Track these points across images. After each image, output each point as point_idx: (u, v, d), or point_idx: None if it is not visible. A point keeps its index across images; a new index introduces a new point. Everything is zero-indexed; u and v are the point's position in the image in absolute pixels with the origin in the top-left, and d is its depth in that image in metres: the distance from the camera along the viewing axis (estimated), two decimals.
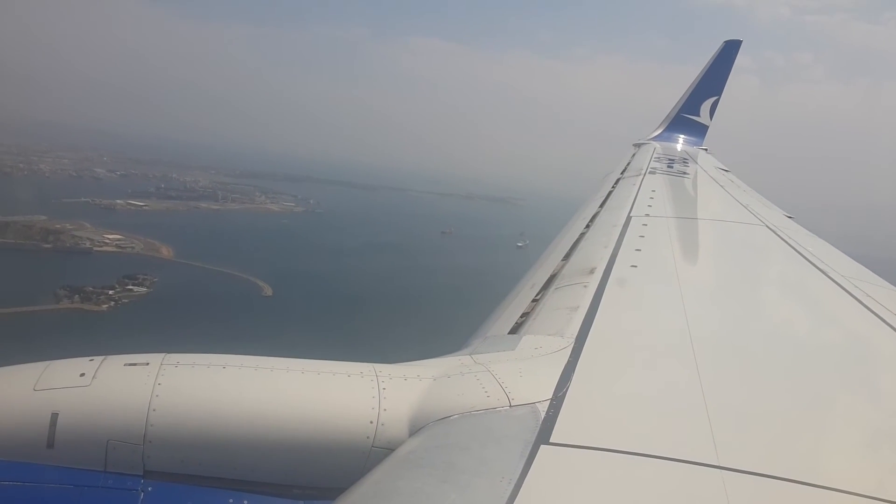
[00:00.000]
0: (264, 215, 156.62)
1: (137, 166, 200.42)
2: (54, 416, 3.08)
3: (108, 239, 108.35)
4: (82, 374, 3.26)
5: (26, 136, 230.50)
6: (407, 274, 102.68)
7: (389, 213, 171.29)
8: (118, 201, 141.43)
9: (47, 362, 3.42)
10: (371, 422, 3.29)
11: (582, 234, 8.24)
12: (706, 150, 18.65)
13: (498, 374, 3.62)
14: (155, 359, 3.44)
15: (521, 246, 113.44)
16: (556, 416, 3.20)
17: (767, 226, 9.13)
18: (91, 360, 3.40)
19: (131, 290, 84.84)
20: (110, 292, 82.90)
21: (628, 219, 8.47)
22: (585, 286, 5.52)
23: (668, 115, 20.10)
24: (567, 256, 7.15)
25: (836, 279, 6.44)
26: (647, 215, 8.94)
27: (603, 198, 10.87)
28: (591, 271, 5.99)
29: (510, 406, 3.34)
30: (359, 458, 3.24)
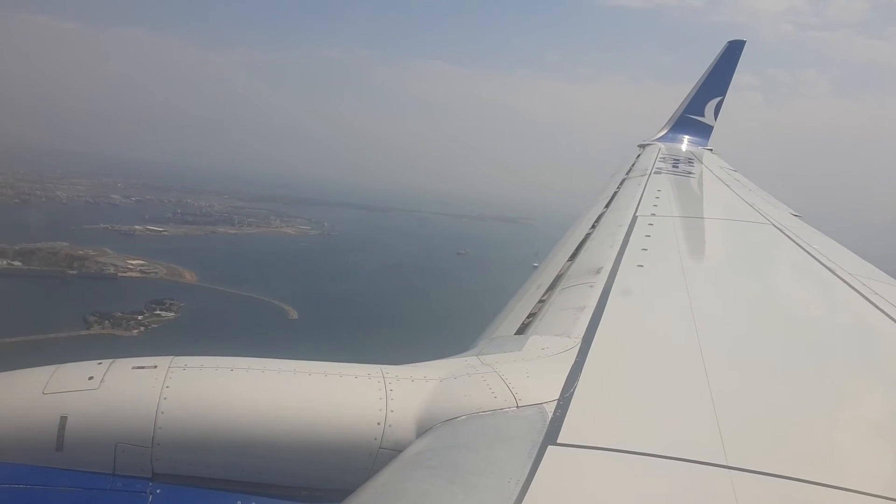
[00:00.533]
0: (281, 238, 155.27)
1: (152, 192, 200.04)
2: (63, 419, 3.07)
3: (132, 264, 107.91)
4: (91, 378, 3.25)
5: (39, 164, 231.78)
6: (430, 295, 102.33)
7: (404, 234, 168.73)
8: (137, 227, 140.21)
9: (56, 366, 3.41)
10: (378, 423, 3.27)
11: (588, 235, 8.18)
12: (711, 150, 18.51)
13: (505, 375, 3.58)
14: (163, 362, 3.42)
15: (537, 266, 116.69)
16: (564, 417, 3.17)
17: (774, 224, 8.97)
18: (99, 363, 3.39)
19: (159, 314, 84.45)
20: (139, 317, 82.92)
21: (634, 218, 8.38)
22: (592, 286, 5.45)
23: (672, 116, 19.93)
24: (573, 256, 7.09)
25: (843, 277, 6.32)
26: (653, 215, 8.83)
27: (608, 198, 10.78)
28: (598, 271, 5.92)
29: (517, 407, 3.30)
30: (366, 460, 3.21)
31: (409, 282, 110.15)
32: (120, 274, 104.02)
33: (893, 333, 5.03)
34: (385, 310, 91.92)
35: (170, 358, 3.45)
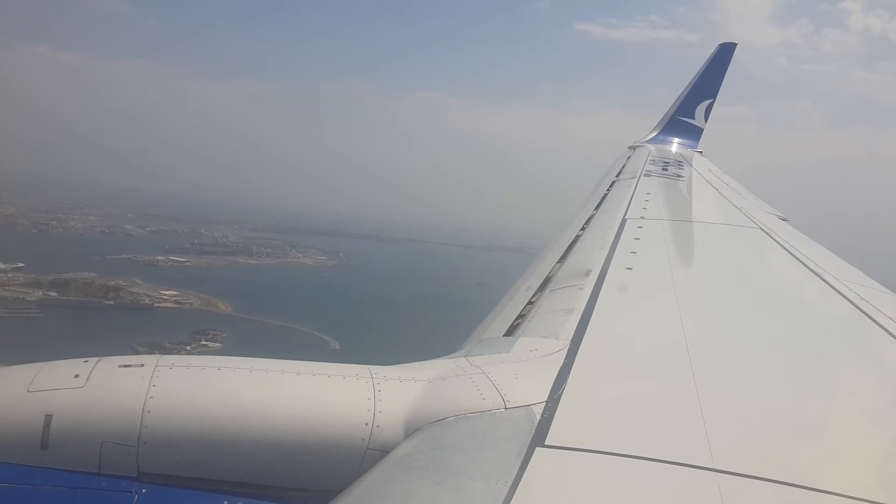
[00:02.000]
0: (300, 269, 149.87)
1: (162, 222, 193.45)
2: (48, 417, 2.99)
3: (166, 295, 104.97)
4: (77, 376, 3.16)
5: (49, 194, 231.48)
6: (460, 324, 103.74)
7: (419, 265, 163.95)
8: (159, 257, 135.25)
9: (42, 363, 3.32)
10: (366, 424, 3.19)
11: (577, 237, 8.04)
12: (701, 152, 18.26)
13: (493, 377, 3.50)
14: (150, 360, 3.33)
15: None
16: (552, 419, 3.11)
17: (762, 228, 8.87)
18: (86, 361, 3.29)
19: (206, 345, 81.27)
20: (188, 348, 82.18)
21: (623, 221, 8.26)
22: (581, 288, 5.38)
23: (663, 118, 19.45)
24: (562, 259, 6.98)
25: (830, 282, 6.24)
26: (643, 218, 8.73)
27: (598, 200, 10.60)
28: (587, 274, 5.82)
29: (505, 408, 3.24)
30: (354, 460, 3.14)
31: (437, 312, 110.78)
32: (156, 305, 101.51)
33: (879, 337, 4.93)
34: (423, 340, 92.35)
35: (157, 357, 3.38)
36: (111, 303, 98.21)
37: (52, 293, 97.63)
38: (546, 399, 3.29)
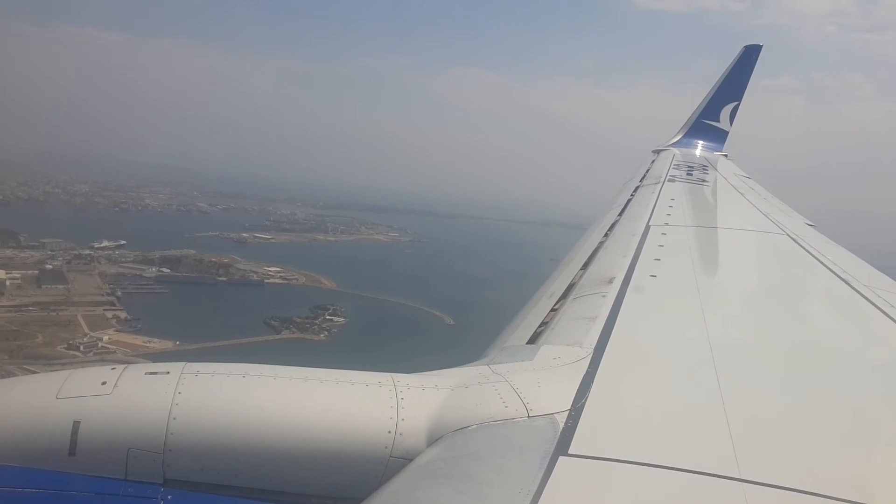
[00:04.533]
0: (378, 246, 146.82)
1: (230, 200, 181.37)
2: (76, 423, 2.97)
3: (271, 271, 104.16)
4: (104, 383, 3.13)
5: (110, 173, 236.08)
6: None
7: (487, 241, 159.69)
8: (244, 234, 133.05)
9: (69, 371, 3.32)
10: (389, 432, 3.12)
11: (601, 244, 7.76)
12: (726, 155, 17.76)
13: (516, 385, 3.39)
14: (175, 368, 3.29)
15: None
16: (575, 428, 3.01)
17: (788, 234, 8.55)
18: (113, 368, 3.28)
19: (331, 319, 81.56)
20: (316, 322, 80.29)
21: (647, 228, 7.98)
22: (604, 296, 5.23)
23: (687, 121, 18.76)
24: (585, 266, 6.77)
25: (858, 288, 5.96)
26: (667, 224, 8.47)
27: (622, 206, 10.25)
28: (610, 281, 5.65)
29: (528, 417, 3.14)
30: (377, 468, 3.06)
31: (529, 288, 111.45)
32: (266, 281, 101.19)
33: None
34: None
35: (182, 364, 3.33)
36: (224, 279, 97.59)
37: (166, 269, 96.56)
38: (569, 407, 3.20)
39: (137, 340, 70.04)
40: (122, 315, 77.88)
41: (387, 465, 3.09)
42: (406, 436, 3.15)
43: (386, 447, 3.11)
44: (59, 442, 2.98)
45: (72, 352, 65.02)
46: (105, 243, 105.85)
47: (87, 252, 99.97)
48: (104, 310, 79.23)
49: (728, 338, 4.72)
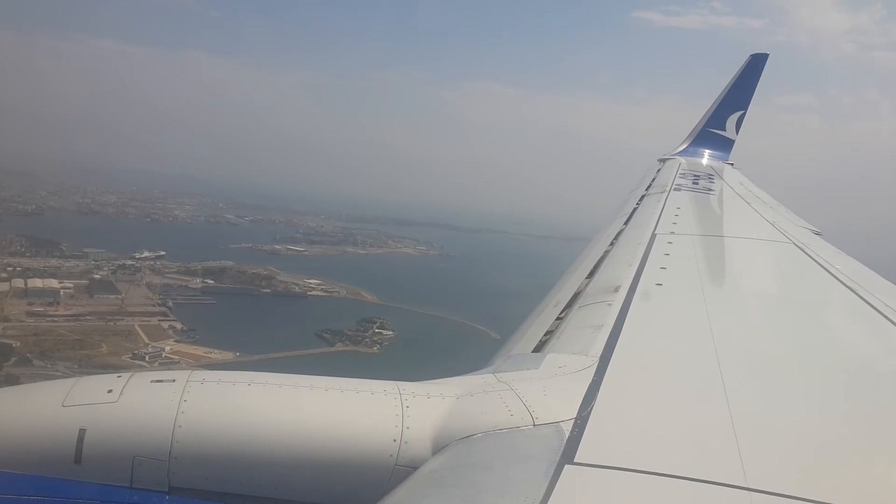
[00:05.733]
0: (408, 259, 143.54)
1: (255, 212, 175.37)
2: (82, 431, 2.94)
3: (312, 284, 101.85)
4: (110, 391, 3.09)
5: (135, 184, 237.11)
6: None
7: (513, 255, 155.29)
8: (277, 246, 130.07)
9: (76, 378, 3.27)
10: (394, 440, 3.07)
11: (606, 252, 7.66)
12: (732, 164, 17.49)
13: (522, 393, 3.34)
14: (181, 376, 3.24)
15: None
16: (581, 436, 2.96)
17: (795, 243, 8.36)
18: (119, 376, 3.24)
19: (380, 332, 79.93)
20: (366, 335, 78.99)
21: (653, 236, 7.85)
22: (610, 304, 5.15)
23: (693, 130, 18.42)
24: (591, 274, 6.68)
25: (865, 297, 5.80)
26: (672, 233, 8.34)
27: (628, 215, 10.07)
28: (616, 289, 5.56)
29: (534, 425, 3.09)
30: (382, 477, 3.02)
31: None
32: (308, 293, 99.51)
33: None
34: None
35: (188, 372, 3.30)
36: (267, 290, 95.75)
37: (210, 280, 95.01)
38: (575, 416, 3.14)
39: (198, 351, 68.97)
40: (178, 326, 76.88)
41: (392, 473, 3.04)
42: (411, 444, 3.10)
43: (391, 455, 3.07)
44: (64, 450, 2.95)
45: (137, 361, 64.60)
46: (146, 254, 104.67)
47: (130, 262, 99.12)
48: (159, 320, 78.59)
49: (734, 346, 4.61)
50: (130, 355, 67.05)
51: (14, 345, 64.85)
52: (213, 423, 3.06)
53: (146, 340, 71.72)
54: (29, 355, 62.76)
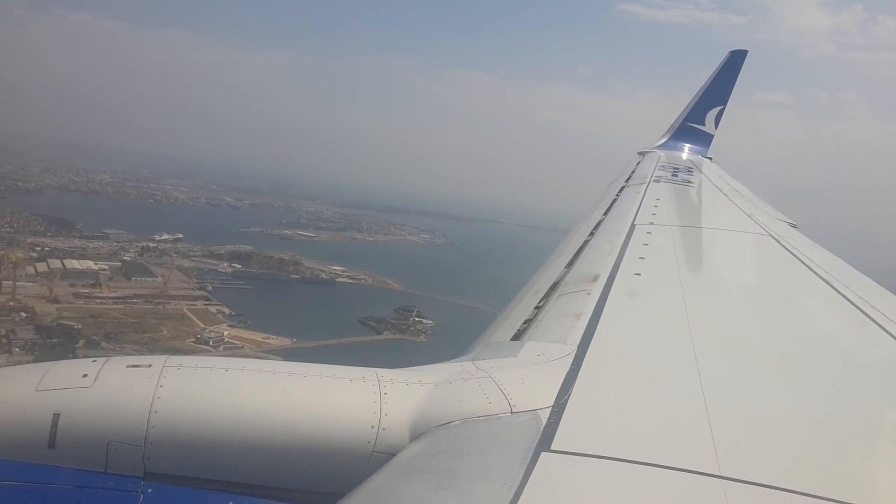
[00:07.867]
0: (416, 247, 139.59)
1: (251, 195, 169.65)
2: (56, 416, 2.86)
3: (337, 270, 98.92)
4: (85, 375, 3.01)
5: (124, 163, 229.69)
6: None
7: (514, 245, 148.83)
8: (287, 231, 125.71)
9: (50, 363, 3.18)
10: (372, 426, 3.01)
11: (586, 242, 7.50)
12: (711, 159, 17.48)
13: (500, 381, 3.26)
14: (157, 361, 3.14)
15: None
16: (558, 424, 2.91)
17: (772, 235, 8.31)
18: (94, 361, 3.14)
19: (419, 321, 77.74)
20: (406, 323, 77.07)
21: (632, 227, 7.74)
22: (588, 293, 5.05)
23: (673, 124, 18.27)
24: (570, 264, 6.61)
25: (839, 289, 5.73)
26: (651, 223, 8.28)
27: (607, 205, 9.90)
28: (595, 279, 5.45)
29: (511, 413, 3.04)
30: (359, 463, 2.95)
31: None
32: (337, 280, 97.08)
33: (889, 345, 4.54)
34: None
35: (164, 357, 3.21)
36: (297, 277, 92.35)
37: (237, 265, 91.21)
38: (552, 404, 3.08)
39: (256, 336, 65.94)
40: (226, 310, 74.04)
41: (369, 459, 2.97)
42: (389, 431, 3.02)
43: (369, 442, 3.00)
44: (38, 434, 2.85)
45: (202, 346, 61.69)
46: (165, 236, 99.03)
47: (152, 245, 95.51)
48: (204, 304, 75.34)
49: (711, 336, 4.55)
50: (193, 339, 64.70)
51: (76, 327, 64.22)
52: (189, 408, 2.98)
53: (200, 325, 68.96)
54: (95, 338, 62.10)
